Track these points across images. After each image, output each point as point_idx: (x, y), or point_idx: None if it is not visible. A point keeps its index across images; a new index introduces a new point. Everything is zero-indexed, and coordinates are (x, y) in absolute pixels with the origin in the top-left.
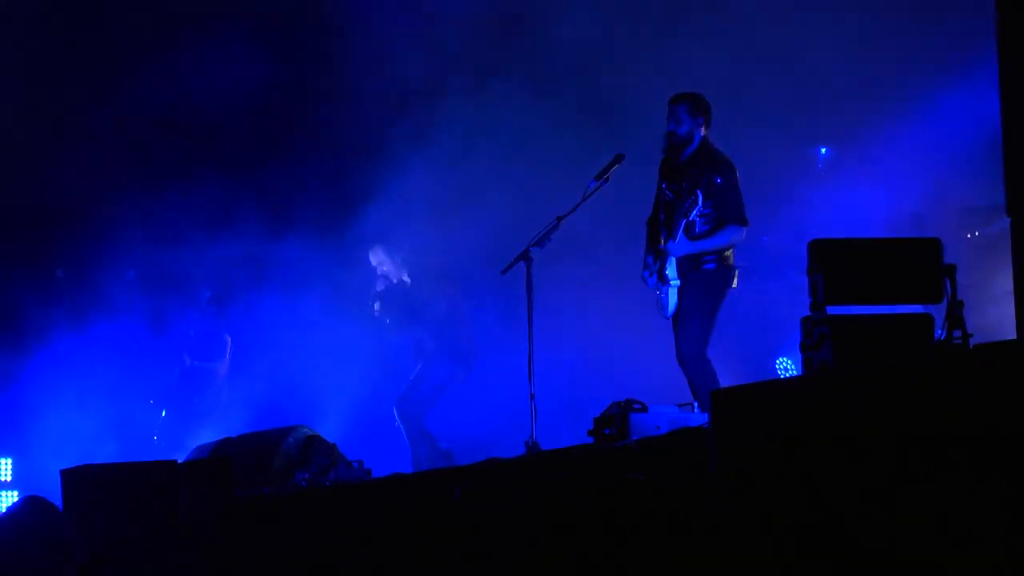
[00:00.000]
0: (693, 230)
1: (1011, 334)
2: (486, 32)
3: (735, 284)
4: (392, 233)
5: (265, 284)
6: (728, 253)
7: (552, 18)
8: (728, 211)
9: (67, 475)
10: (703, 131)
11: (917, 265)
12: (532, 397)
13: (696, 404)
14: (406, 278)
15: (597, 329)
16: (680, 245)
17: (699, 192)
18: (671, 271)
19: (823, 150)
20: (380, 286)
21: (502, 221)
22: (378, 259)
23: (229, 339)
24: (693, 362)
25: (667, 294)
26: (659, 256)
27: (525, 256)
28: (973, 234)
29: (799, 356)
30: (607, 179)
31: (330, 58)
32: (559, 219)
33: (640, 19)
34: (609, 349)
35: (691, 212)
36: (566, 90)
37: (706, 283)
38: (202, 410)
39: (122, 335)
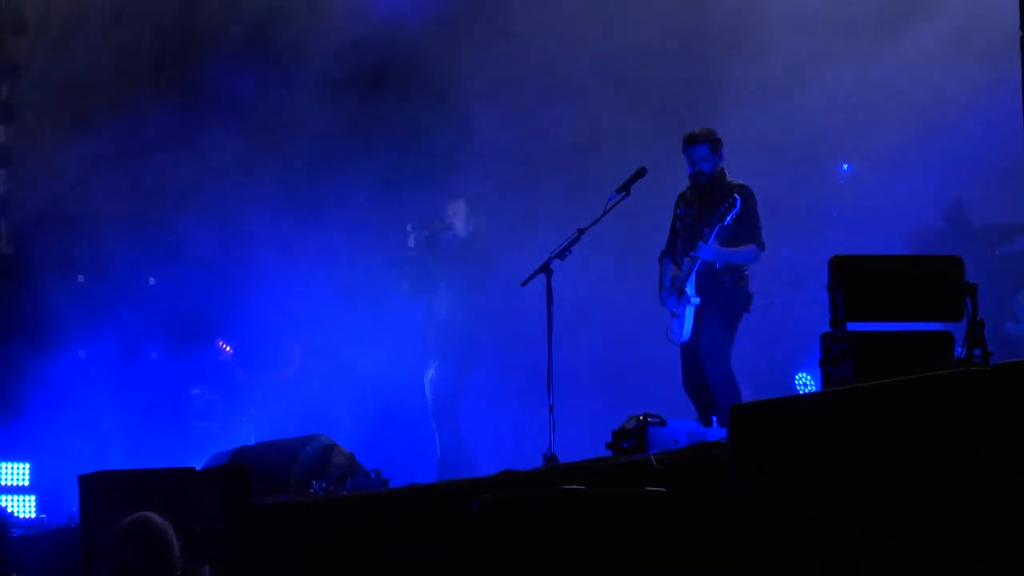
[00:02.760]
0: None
1: None
2: None
3: (750, 309)
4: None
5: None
6: (746, 275)
7: None
8: (749, 233)
9: (85, 480)
10: (722, 162)
11: (938, 283)
12: (551, 409)
13: (715, 418)
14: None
15: (618, 340)
16: (710, 248)
17: (724, 210)
18: (691, 288)
19: (845, 166)
20: (439, 228)
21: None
22: (456, 210)
23: (299, 349)
24: (717, 376)
25: (684, 314)
26: (677, 278)
27: (546, 268)
28: (994, 252)
29: (819, 372)
30: (628, 192)
31: None
32: (580, 231)
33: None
34: (630, 361)
35: (727, 216)
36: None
37: (726, 297)
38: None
39: (135, 346)
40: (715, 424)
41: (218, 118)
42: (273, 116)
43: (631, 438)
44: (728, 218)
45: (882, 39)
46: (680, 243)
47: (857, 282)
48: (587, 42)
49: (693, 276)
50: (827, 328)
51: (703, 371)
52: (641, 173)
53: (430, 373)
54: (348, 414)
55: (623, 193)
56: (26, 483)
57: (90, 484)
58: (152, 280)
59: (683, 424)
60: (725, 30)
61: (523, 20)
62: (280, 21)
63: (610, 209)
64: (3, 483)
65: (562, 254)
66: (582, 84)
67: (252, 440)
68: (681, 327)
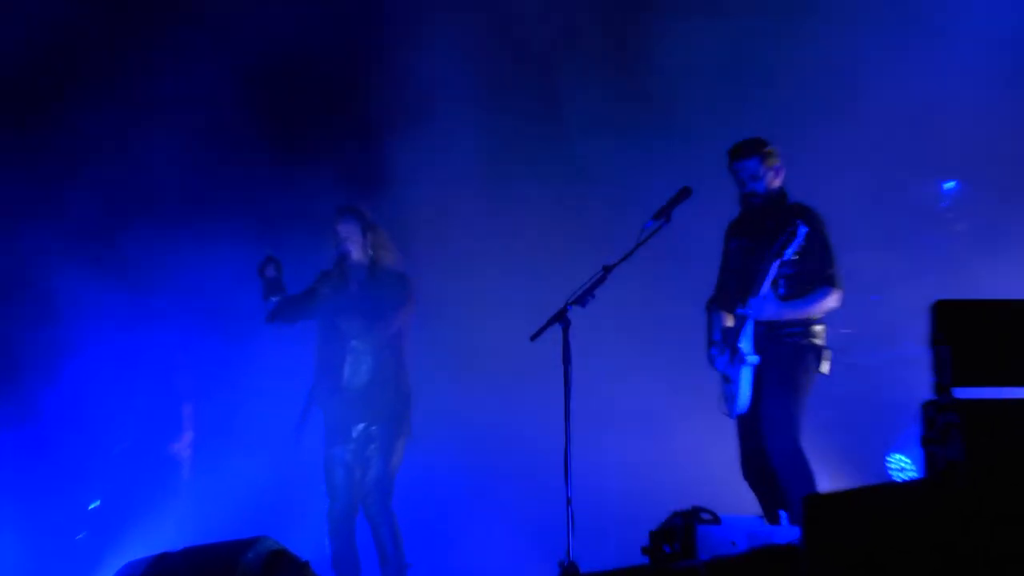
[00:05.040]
0: (779, 292)
1: None
2: None
3: (826, 369)
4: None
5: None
6: (818, 329)
7: None
8: (818, 271)
9: None
10: (780, 179)
11: None
12: (568, 502)
13: (784, 514)
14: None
15: (654, 414)
16: (766, 303)
17: (783, 242)
18: (747, 343)
19: (949, 184)
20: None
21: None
22: (348, 232)
23: (190, 408)
24: (784, 457)
25: (739, 379)
26: (729, 332)
27: (562, 317)
28: None
29: (919, 452)
30: (668, 218)
31: None
32: (607, 269)
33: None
34: (669, 440)
35: (786, 249)
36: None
37: (792, 358)
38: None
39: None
40: (784, 521)
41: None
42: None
43: (675, 540)
44: (788, 251)
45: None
46: (733, 285)
47: (968, 335)
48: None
49: (750, 328)
50: (929, 395)
51: (766, 452)
52: (685, 194)
53: (351, 438)
54: (302, 510)
55: (662, 220)
56: None
57: None
58: None
59: (742, 522)
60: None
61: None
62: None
63: (646, 240)
64: None
65: (583, 299)
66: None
67: (176, 544)
68: (736, 395)
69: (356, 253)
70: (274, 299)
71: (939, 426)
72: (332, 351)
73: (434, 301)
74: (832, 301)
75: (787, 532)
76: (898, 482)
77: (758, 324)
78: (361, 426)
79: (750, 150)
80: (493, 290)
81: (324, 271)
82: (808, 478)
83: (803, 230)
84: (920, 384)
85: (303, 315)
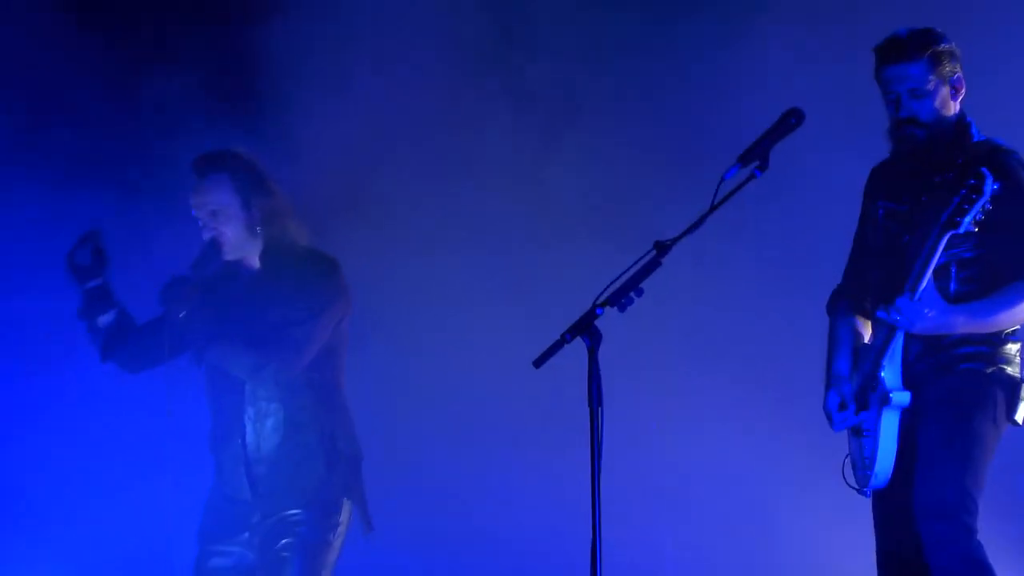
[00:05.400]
0: (948, 288)
1: None
2: None
3: (1022, 412)
4: None
5: None
6: (1012, 350)
7: None
8: (1018, 254)
9: None
10: (959, 102)
11: None
12: None
13: None
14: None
15: (723, 483)
16: (925, 305)
17: (960, 206)
18: (892, 373)
19: None
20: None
21: None
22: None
23: None
24: (951, 558)
25: (878, 431)
26: (866, 354)
27: (587, 328)
28: None
29: None
30: (765, 163)
31: None
32: (660, 249)
33: None
34: (752, 528)
35: (969, 212)
36: None
37: (968, 397)
38: None
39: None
40: None
41: None
42: None
43: None
44: (967, 219)
45: None
46: (876, 276)
47: None
48: None
49: (898, 347)
50: None
51: (922, 549)
52: (790, 122)
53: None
54: None
55: (755, 165)
56: None
57: None
58: None
59: None
60: None
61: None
62: None
63: (724, 201)
64: None
65: (622, 296)
66: None
67: None
68: (874, 457)
69: (233, 236)
70: (104, 318)
71: None
72: (224, 405)
73: (375, 305)
74: None
75: None
76: None
77: (912, 340)
78: (263, 518)
79: (915, 47)
80: (470, 300)
81: (179, 277)
82: None
83: (991, 185)
84: None
85: (159, 353)
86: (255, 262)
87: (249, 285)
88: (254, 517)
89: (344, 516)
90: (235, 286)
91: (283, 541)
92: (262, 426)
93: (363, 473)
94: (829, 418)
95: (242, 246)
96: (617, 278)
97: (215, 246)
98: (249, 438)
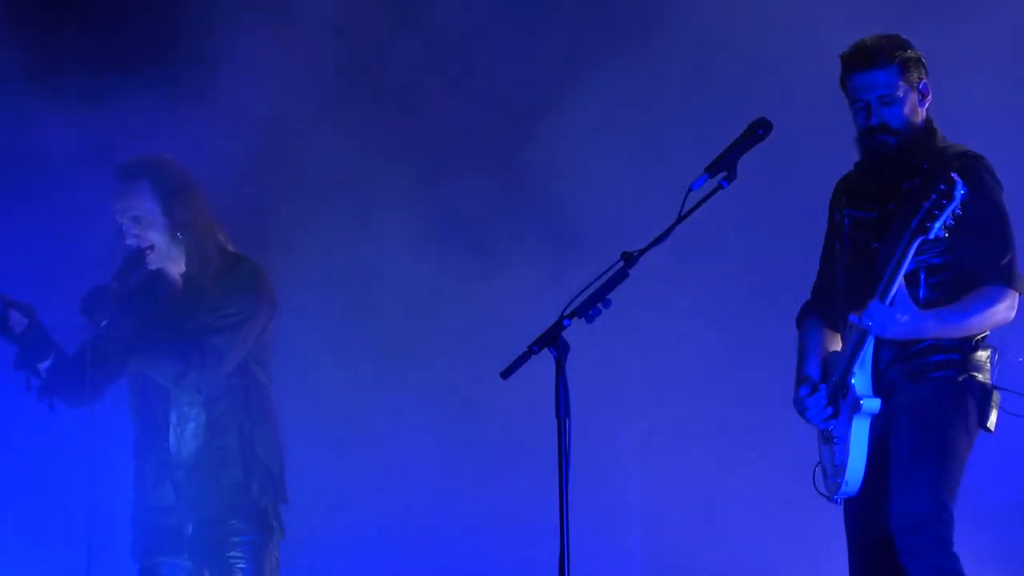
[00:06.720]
0: (918, 295)
1: None
2: None
3: (992, 419)
4: None
5: None
6: (982, 356)
7: None
8: (987, 260)
9: None
10: (925, 109)
11: None
12: None
13: None
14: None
15: (694, 493)
16: (896, 311)
17: (929, 212)
18: (862, 379)
19: None
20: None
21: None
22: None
23: None
24: (924, 568)
25: (847, 438)
26: (835, 362)
27: (554, 338)
28: None
29: None
30: (732, 173)
31: None
32: (627, 259)
33: None
34: (715, 539)
35: (938, 220)
36: None
37: (939, 404)
38: None
39: None
40: None
41: None
42: None
43: None
44: (937, 225)
45: None
46: (844, 283)
47: None
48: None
49: (868, 353)
50: None
51: (896, 557)
52: (757, 132)
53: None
54: None
55: (722, 175)
56: None
57: None
58: None
59: None
60: None
61: None
62: None
63: (692, 212)
64: None
65: (590, 308)
66: None
67: None
68: (845, 463)
69: (158, 244)
70: (43, 365)
71: None
72: (149, 412)
73: (311, 309)
74: (1005, 310)
75: None
76: None
77: (882, 346)
78: (197, 528)
79: (884, 54)
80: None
81: (100, 286)
82: None
83: (961, 191)
84: None
85: (98, 380)
86: (177, 268)
87: (171, 292)
88: (187, 527)
89: (275, 522)
90: (157, 293)
91: (229, 553)
92: (183, 431)
93: (284, 480)
94: (801, 405)
95: (166, 253)
96: (584, 289)
97: (139, 255)
98: (172, 443)
